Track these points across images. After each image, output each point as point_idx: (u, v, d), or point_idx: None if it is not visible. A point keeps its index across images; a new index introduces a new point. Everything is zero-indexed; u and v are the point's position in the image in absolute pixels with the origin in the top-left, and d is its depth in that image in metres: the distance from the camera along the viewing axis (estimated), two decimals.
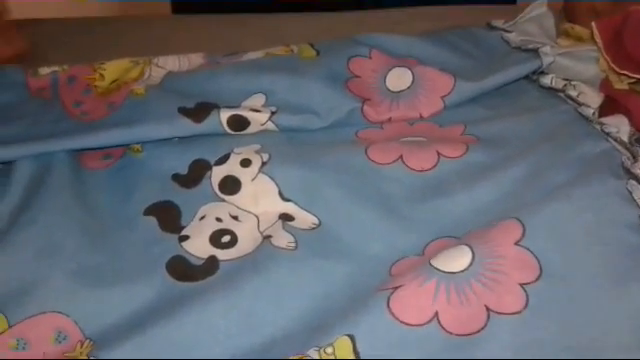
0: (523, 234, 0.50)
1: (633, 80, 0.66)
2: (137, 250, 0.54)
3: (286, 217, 0.55)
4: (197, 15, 1.05)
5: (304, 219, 0.55)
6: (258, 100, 0.64)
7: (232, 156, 0.59)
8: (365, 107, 0.65)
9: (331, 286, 0.50)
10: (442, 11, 1.01)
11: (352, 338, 0.45)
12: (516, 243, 0.49)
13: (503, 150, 0.59)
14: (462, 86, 0.66)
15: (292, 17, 1.02)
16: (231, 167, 0.58)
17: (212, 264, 0.52)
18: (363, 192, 0.57)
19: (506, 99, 0.67)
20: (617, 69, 0.65)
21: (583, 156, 0.56)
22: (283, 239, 0.53)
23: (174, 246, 0.54)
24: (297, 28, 0.95)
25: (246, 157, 0.58)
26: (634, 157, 0.56)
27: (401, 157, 0.58)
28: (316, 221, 0.55)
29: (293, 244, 0.53)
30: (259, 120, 0.62)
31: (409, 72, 0.67)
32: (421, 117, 0.66)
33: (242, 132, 0.62)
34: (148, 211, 0.56)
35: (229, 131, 0.62)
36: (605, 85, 0.67)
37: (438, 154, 0.59)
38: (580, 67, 0.69)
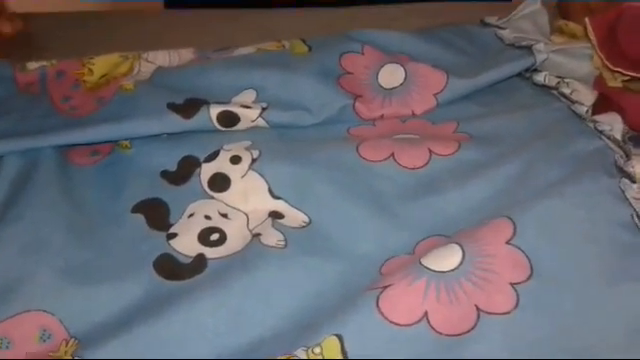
0: (514, 233, 0.49)
1: (627, 78, 0.65)
2: (125, 247, 0.53)
3: (276, 215, 0.55)
4: (190, 10, 1.05)
5: (294, 217, 0.55)
6: (249, 96, 0.64)
7: (222, 153, 0.58)
8: (357, 104, 0.64)
9: (321, 285, 0.50)
10: (438, 7, 1.00)
11: (340, 338, 0.45)
12: (507, 242, 0.49)
13: (496, 148, 0.59)
14: (455, 83, 0.65)
15: (285, 12, 1.02)
16: (221, 164, 0.57)
17: (200, 262, 0.52)
18: (354, 190, 0.56)
19: (499, 96, 0.66)
20: (611, 66, 0.65)
21: (576, 154, 0.56)
22: (272, 237, 0.53)
23: (162, 244, 0.53)
24: (290, 24, 0.94)
25: (236, 154, 0.58)
26: (627, 155, 0.55)
27: (393, 154, 0.58)
28: (306, 219, 0.55)
29: (282, 242, 0.52)
30: (249, 116, 0.61)
31: (401, 69, 0.67)
32: (413, 114, 0.65)
33: (232, 128, 0.61)
34: (136, 208, 0.56)
35: (219, 127, 0.61)
36: (599, 83, 0.66)
37: (430, 152, 0.58)
38: (574, 64, 0.68)
